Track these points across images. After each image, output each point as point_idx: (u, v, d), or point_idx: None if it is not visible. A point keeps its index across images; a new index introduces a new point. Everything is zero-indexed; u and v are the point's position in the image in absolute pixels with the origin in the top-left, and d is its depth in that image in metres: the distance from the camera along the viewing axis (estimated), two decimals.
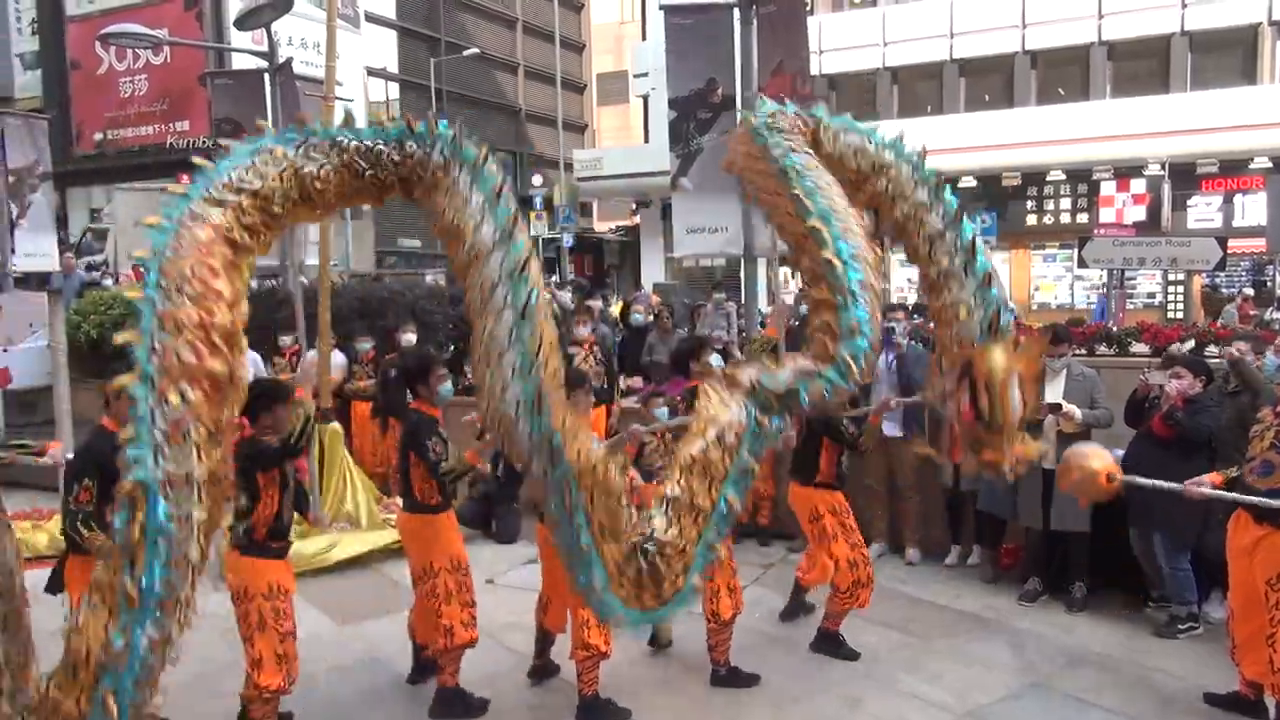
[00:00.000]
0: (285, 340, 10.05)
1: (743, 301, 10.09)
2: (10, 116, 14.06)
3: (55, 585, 4.30)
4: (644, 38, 28.26)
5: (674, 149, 8.79)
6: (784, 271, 24.63)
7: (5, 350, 10.46)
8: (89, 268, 15.11)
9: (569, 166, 31.45)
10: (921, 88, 24.42)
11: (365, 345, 9.63)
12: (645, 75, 25.53)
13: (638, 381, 9.29)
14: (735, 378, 3.56)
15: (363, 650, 5.49)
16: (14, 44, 28.54)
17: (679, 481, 3.35)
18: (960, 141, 20.08)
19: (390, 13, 31.62)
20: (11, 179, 13.50)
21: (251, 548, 4.27)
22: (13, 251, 13.39)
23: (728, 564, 4.97)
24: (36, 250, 13.77)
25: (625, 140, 37.71)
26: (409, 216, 29.06)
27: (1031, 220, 22.50)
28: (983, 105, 23.12)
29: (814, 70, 17.42)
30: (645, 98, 27.29)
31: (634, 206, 28.13)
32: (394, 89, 32.68)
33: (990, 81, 23.63)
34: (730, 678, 5.03)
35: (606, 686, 4.69)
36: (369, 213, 21.36)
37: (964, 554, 7.04)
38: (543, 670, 5.14)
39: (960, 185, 22.19)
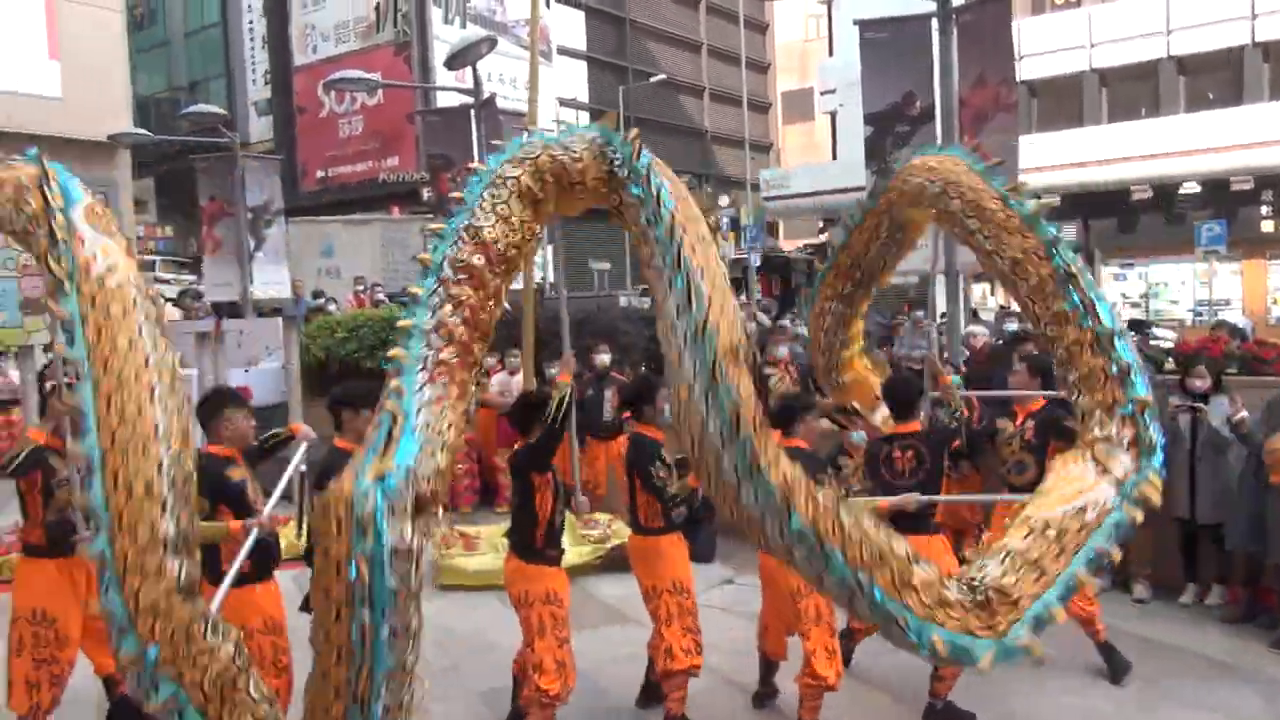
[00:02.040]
0: (487, 361, 10.54)
1: (938, 320, 9.72)
2: (250, 159, 15.60)
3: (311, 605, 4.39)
4: (831, 54, 27.96)
5: (870, 165, 8.61)
6: (981, 289, 23.62)
7: (247, 370, 11.48)
8: (314, 295, 16.44)
9: (755, 186, 31.45)
10: (1134, 89, 22.83)
11: (557, 369, 9.90)
12: (832, 91, 25.24)
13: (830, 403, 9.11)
14: (1107, 462, 3.52)
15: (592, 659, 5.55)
16: (250, 93, 31.67)
17: (1025, 537, 3.32)
18: (1181, 145, 18.59)
19: (580, 45, 32.81)
20: (250, 215, 14.96)
21: (531, 555, 4.43)
22: (251, 280, 14.85)
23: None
24: (272, 279, 15.20)
25: (812, 158, 37.34)
26: (598, 238, 29.92)
27: (1268, 227, 20.49)
28: (1206, 104, 21.33)
29: None
30: (833, 114, 26.96)
31: (821, 224, 27.75)
32: (584, 117, 33.84)
33: (1215, 79, 21.78)
34: (947, 713, 4.78)
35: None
36: (560, 234, 22.08)
37: (1201, 593, 6.43)
38: (765, 696, 5.08)
39: (1182, 191, 20.57)
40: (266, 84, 30.95)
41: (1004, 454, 5.38)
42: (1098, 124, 22.25)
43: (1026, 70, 22.65)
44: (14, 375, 11.10)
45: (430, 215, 21.94)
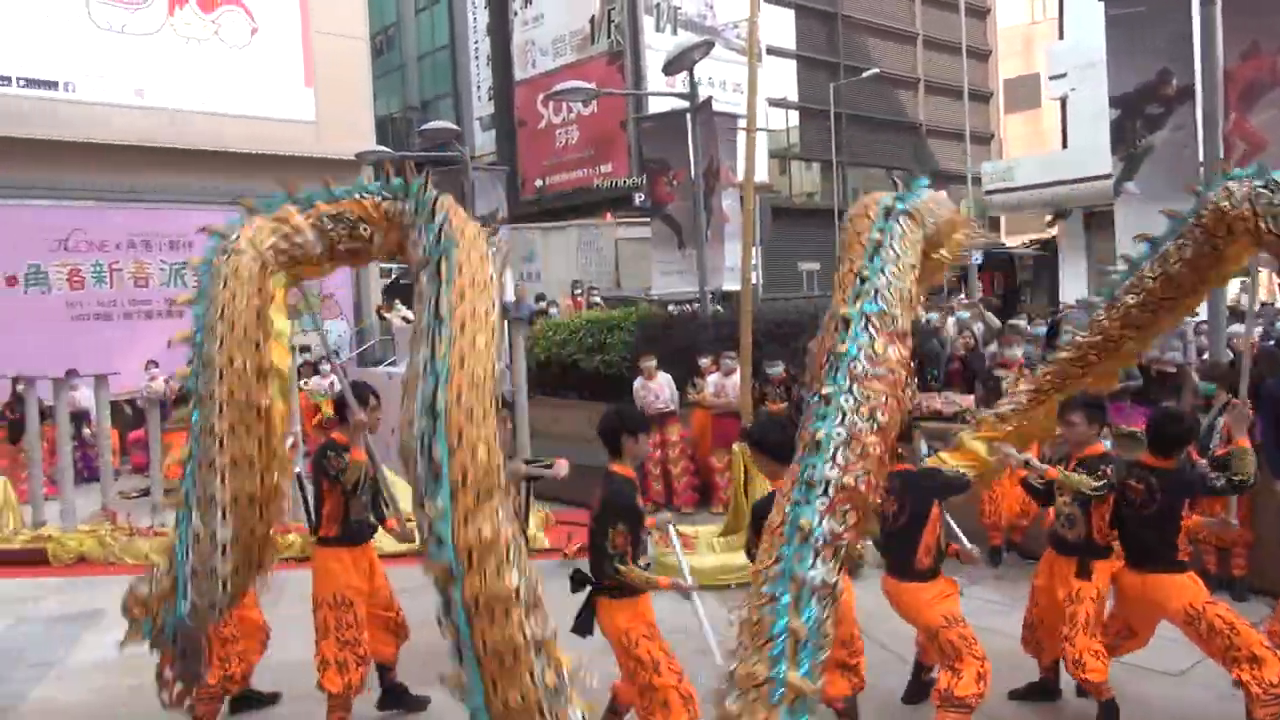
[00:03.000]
0: (703, 362, 10.57)
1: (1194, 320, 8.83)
2: (478, 170, 16.51)
3: (584, 627, 4.20)
4: (1060, 36, 26.18)
5: (1117, 151, 7.97)
6: (1268, 273, 21.28)
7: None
8: (537, 298, 17.18)
9: (976, 180, 29.96)
10: None
11: (777, 368, 9.78)
12: (1063, 76, 23.62)
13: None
14: None
15: None
16: (475, 109, 33.56)
17: None
18: None
19: (790, 44, 32.44)
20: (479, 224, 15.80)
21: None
22: None
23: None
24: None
25: (1036, 148, 35.12)
26: (806, 238, 29.49)
27: None
28: None
29: None
30: (1063, 100, 25.22)
31: (1049, 218, 26.01)
32: (793, 116, 33.46)
33: None
34: None
35: None
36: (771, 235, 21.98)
37: None
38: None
39: None
40: (490, 100, 32.69)
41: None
42: None
43: None
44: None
45: (646, 220, 22.47)
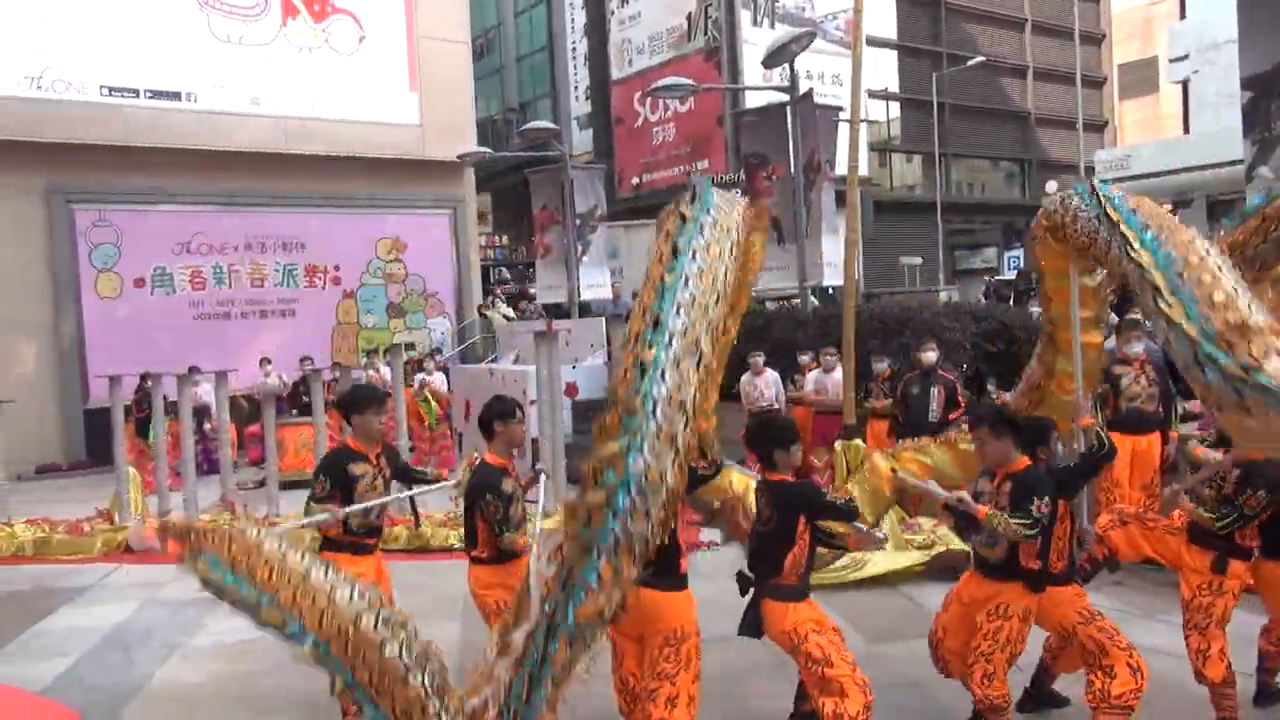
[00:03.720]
0: (803, 359, 10.43)
1: None
2: (576, 169, 16.65)
3: (753, 629, 4.25)
4: (1182, 16, 24.86)
5: (1249, 134, 7.48)
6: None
7: (574, 367, 12.24)
8: (634, 295, 17.25)
9: (1090, 169, 28.74)
10: None
11: (881, 365, 9.57)
12: (1185, 58, 22.44)
13: (1196, 405, 8.02)
14: None
15: (890, 671, 5.32)
16: (572, 109, 33.90)
17: None
18: None
19: (891, 34, 31.72)
20: (577, 222, 15.96)
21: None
22: (578, 283, 15.84)
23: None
24: (596, 281, 16.14)
25: (1153, 134, 33.47)
26: (907, 233, 28.80)
27: None
28: None
29: None
30: (1184, 84, 23.96)
31: (1171, 206, 24.75)
32: (895, 108, 32.72)
33: None
34: None
35: None
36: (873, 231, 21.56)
37: None
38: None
39: None
40: (587, 99, 32.95)
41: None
42: None
43: None
44: (385, 371, 12.61)
45: None
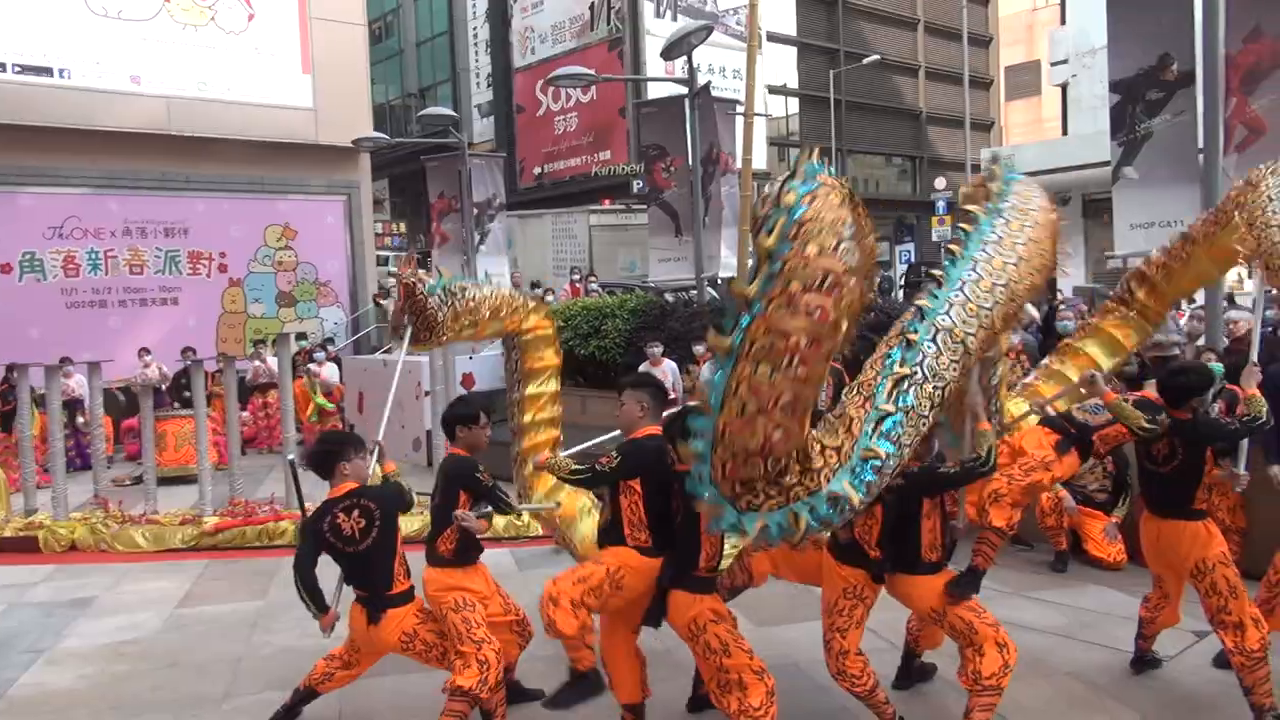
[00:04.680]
0: (699, 349, 10.51)
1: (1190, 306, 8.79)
2: (475, 157, 16.43)
3: (655, 618, 4.20)
4: (1063, 22, 26.04)
5: (1116, 136, 7.90)
6: (1237, 272, 21.14)
7: (470, 357, 12.09)
8: (533, 285, 17.14)
9: (975, 167, 29.82)
10: None
11: None
12: (1064, 62, 23.55)
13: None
14: None
15: (780, 654, 5.42)
16: (473, 96, 33.42)
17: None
18: None
19: (790, 30, 32.28)
20: (475, 211, 15.76)
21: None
22: (475, 273, 15.65)
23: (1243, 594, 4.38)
24: (495, 271, 15.96)
25: (1037, 135, 34.98)
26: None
27: None
28: None
29: None
30: (1064, 87, 25.11)
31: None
32: (794, 104, 33.31)
33: None
34: None
35: None
36: None
37: None
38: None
39: None
40: (488, 86, 32.55)
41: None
42: None
43: None
44: (272, 362, 12.22)
45: (622, 208, 22.39)
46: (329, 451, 4.30)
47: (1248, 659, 4.25)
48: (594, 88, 25.16)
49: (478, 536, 4.41)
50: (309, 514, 4.38)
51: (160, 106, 15.73)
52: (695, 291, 12.16)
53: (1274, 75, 6.97)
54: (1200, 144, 7.19)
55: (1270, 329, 8.30)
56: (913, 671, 4.93)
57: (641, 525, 4.16)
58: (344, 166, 17.57)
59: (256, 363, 13.70)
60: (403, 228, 31.17)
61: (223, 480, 9.40)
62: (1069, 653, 5.35)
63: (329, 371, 12.98)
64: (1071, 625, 5.80)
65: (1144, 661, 5.05)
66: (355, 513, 4.17)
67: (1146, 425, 4.38)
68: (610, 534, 4.27)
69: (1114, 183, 7.89)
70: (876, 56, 31.45)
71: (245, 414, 13.09)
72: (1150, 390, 4.97)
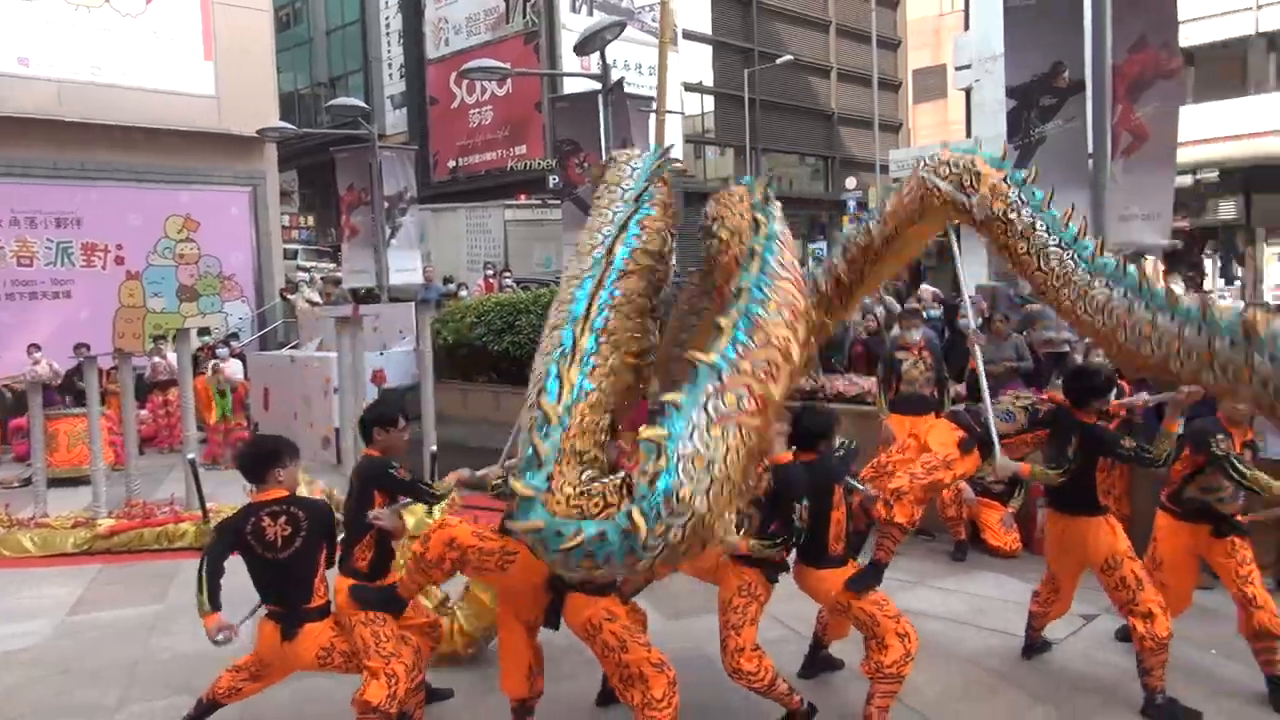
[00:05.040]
0: None
1: None
2: (386, 149, 16.14)
3: (553, 620, 4.26)
4: (966, 28, 26.80)
5: (1012, 140, 8.20)
6: (1153, 260, 22.08)
7: (381, 353, 11.90)
8: (445, 280, 16.93)
9: (885, 168, 30.57)
10: None
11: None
12: (968, 67, 24.22)
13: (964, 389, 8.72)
14: None
15: (689, 646, 5.49)
16: (386, 87, 32.78)
17: None
18: None
19: (706, 28, 32.54)
20: (385, 204, 15.48)
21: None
22: (386, 267, 15.38)
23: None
24: (406, 265, 15.72)
25: (944, 137, 35.98)
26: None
27: None
28: None
29: None
30: (968, 91, 25.86)
31: None
32: (709, 102, 33.59)
33: None
34: (1166, 710, 4.52)
35: None
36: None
37: None
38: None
39: None
40: (401, 78, 31.98)
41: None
42: (1264, 92, 20.57)
43: (1185, 37, 21.12)
44: (172, 358, 11.81)
45: (537, 203, 22.31)
46: (264, 455, 4.18)
47: (1156, 644, 4.44)
48: (509, 81, 24.98)
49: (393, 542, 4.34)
50: (233, 514, 4.25)
51: (51, 90, 15.04)
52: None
53: (1156, 85, 7.33)
54: (1090, 149, 7.50)
55: None
56: (818, 662, 5.04)
57: None
58: (249, 156, 17.07)
59: (156, 359, 13.23)
60: (311, 220, 30.43)
61: (119, 481, 9.07)
62: (967, 639, 5.54)
63: (233, 368, 12.62)
64: (970, 612, 6.00)
65: (1034, 647, 5.26)
66: (283, 519, 4.06)
67: (1059, 479, 4.55)
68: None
69: None
70: (790, 57, 31.96)
71: (144, 412, 12.65)
72: (1056, 391, 5.12)
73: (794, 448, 4.37)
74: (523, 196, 23.16)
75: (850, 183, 29.15)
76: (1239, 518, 4.78)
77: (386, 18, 32.72)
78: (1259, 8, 21.08)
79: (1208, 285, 20.99)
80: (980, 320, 9.36)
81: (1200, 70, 21.39)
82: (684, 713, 3.99)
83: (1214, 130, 18.55)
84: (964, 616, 5.94)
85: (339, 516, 4.37)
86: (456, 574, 4.31)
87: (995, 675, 5.06)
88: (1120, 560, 4.57)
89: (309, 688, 4.87)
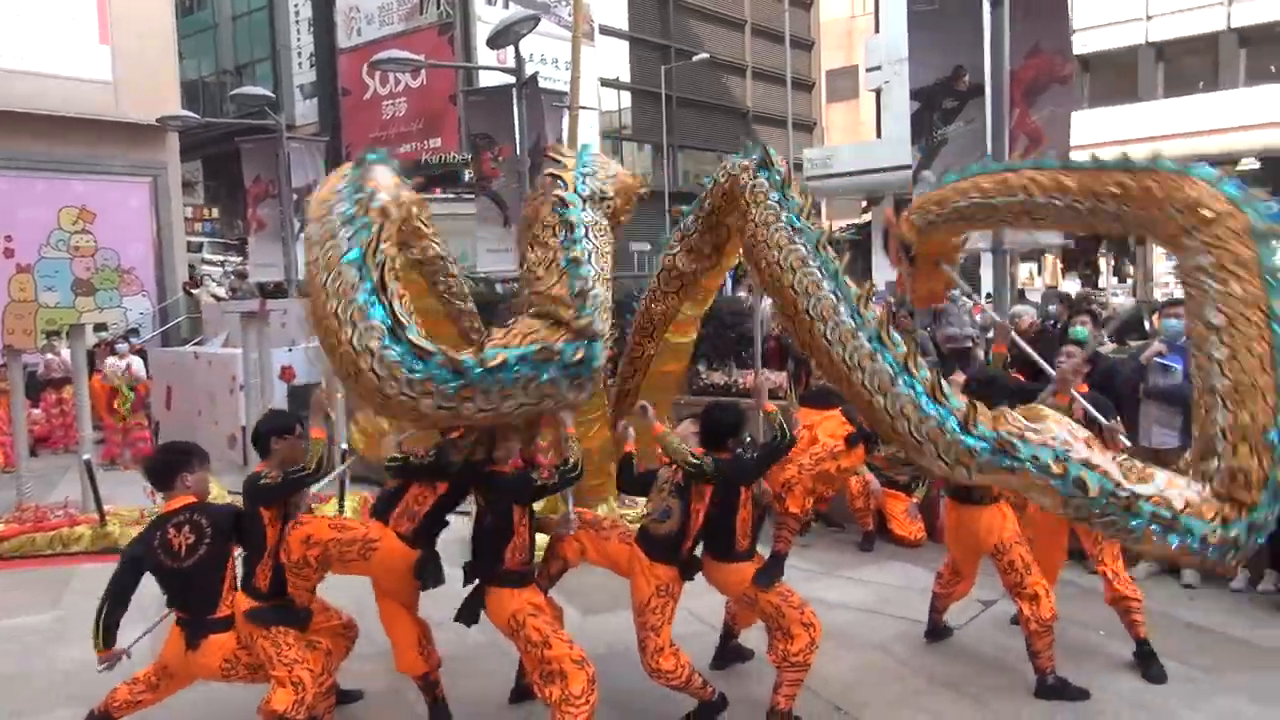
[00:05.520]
0: None
1: (985, 299, 9.51)
2: (295, 140, 15.73)
3: (471, 616, 4.28)
4: (877, 30, 27.52)
5: (916, 141, 8.44)
6: (1028, 268, 22.94)
7: (290, 350, 11.61)
8: None
9: (798, 166, 31.10)
10: (1192, 63, 22.14)
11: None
12: (878, 69, 24.85)
13: None
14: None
15: (604, 642, 5.52)
16: (295, 76, 31.91)
17: None
18: (1240, 120, 17.99)
19: (623, 24, 32.59)
20: (295, 196, 15.09)
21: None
22: (295, 261, 15.00)
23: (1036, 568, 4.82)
24: None
25: (855, 137, 36.82)
26: (638, 219, 29.74)
27: None
28: (1268, 78, 20.59)
29: None
30: (878, 92, 26.54)
31: (865, 204, 27.39)
32: (626, 98, 33.66)
33: (1277, 50, 21.03)
34: (1056, 690, 4.73)
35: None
36: None
37: (1254, 578, 6.20)
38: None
39: (1240, 168, 19.95)
40: (312, 67, 31.17)
41: None
42: (1153, 99, 21.64)
43: (1080, 44, 22.02)
44: (66, 354, 11.33)
45: (450, 197, 22.03)
46: (171, 461, 4.08)
47: (1041, 626, 4.67)
48: (424, 73, 24.62)
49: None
50: (139, 534, 4.16)
51: None
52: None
53: (1051, 90, 7.65)
54: (989, 150, 7.77)
55: (1052, 322, 9.10)
56: (729, 652, 5.13)
57: (410, 517, 4.22)
58: (149, 146, 16.45)
59: (49, 356, 12.66)
60: (216, 212, 29.42)
61: (9, 484, 8.67)
62: (873, 626, 5.70)
63: (133, 365, 12.18)
64: (876, 600, 6.17)
65: (937, 632, 5.45)
66: (186, 528, 3.97)
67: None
68: (379, 508, 4.34)
69: (914, 185, 8.42)
70: (706, 55, 32.23)
71: (37, 412, 12.11)
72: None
73: (705, 445, 4.39)
74: (437, 191, 22.85)
75: None
76: None
77: (296, 5, 31.83)
78: (1149, 18, 22.14)
79: (1102, 283, 21.98)
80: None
81: (1095, 76, 22.36)
82: (601, 709, 4.01)
83: (1108, 134, 19.42)
84: (871, 605, 6.09)
85: None
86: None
87: (899, 661, 5.22)
88: (1009, 545, 4.80)
89: (218, 697, 4.73)
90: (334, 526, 4.10)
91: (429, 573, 4.18)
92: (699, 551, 4.50)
